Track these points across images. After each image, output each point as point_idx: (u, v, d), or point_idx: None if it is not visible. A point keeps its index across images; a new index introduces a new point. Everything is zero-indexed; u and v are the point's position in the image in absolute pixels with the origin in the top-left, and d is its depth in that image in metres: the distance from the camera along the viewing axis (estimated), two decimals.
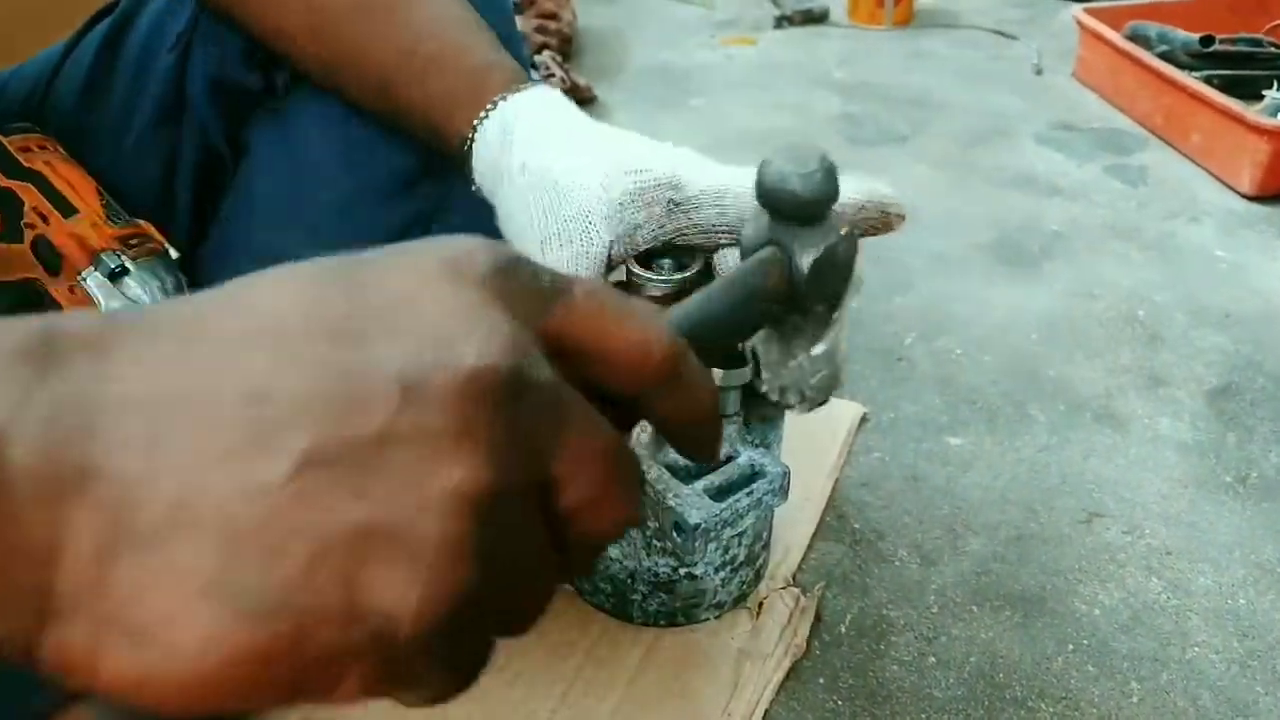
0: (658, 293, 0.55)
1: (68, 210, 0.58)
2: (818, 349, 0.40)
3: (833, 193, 0.36)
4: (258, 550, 0.19)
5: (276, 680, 0.19)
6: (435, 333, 0.21)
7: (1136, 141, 1.45)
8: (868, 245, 1.17)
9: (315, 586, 0.19)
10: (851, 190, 0.51)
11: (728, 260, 0.56)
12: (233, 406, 0.19)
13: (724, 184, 0.50)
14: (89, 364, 0.19)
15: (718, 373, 0.54)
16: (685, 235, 0.51)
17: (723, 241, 0.52)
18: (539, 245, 0.49)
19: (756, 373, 0.43)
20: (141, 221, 0.61)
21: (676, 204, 0.50)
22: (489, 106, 0.51)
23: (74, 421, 0.19)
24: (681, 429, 0.28)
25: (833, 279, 0.37)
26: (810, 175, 0.36)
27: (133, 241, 0.58)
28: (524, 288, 0.23)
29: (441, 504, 0.20)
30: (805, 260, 0.36)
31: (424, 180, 0.62)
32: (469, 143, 0.51)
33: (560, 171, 0.48)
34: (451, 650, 0.21)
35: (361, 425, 0.20)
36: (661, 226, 0.50)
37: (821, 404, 0.43)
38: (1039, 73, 1.74)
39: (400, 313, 0.21)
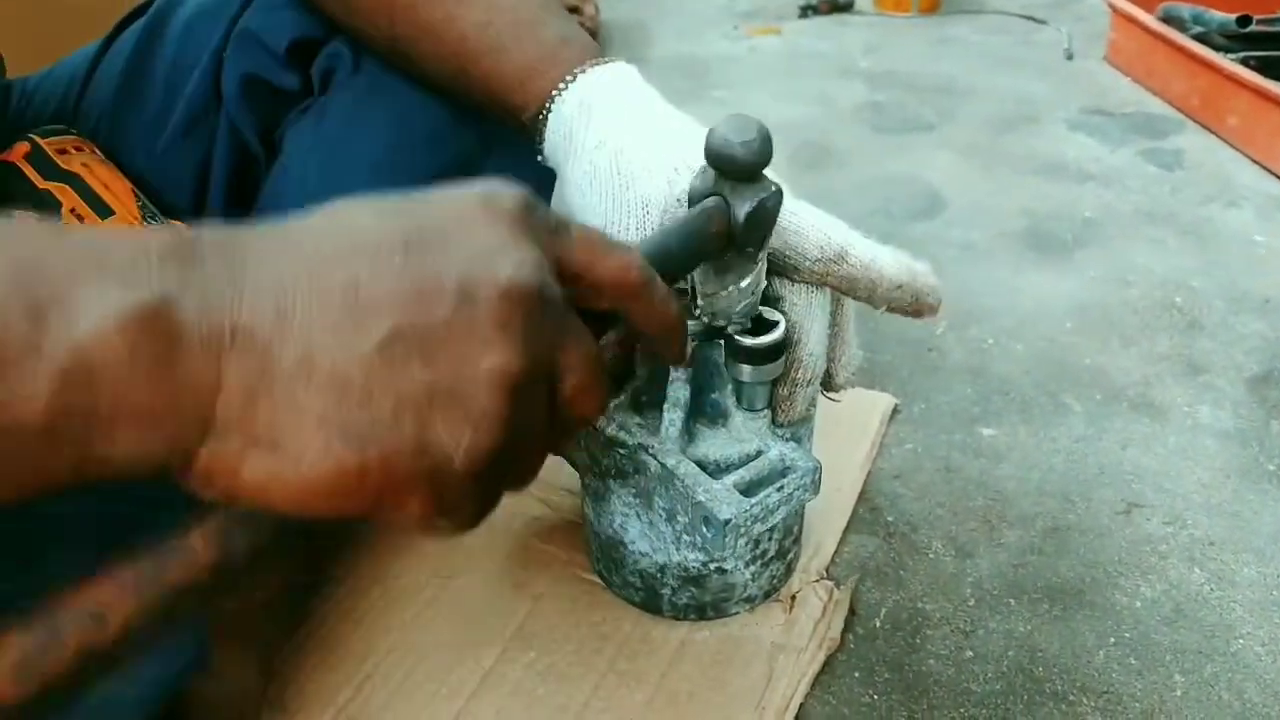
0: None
1: (104, 211, 0.58)
2: (744, 281, 0.49)
3: (767, 156, 0.44)
4: (357, 396, 0.25)
5: (364, 492, 0.26)
6: (479, 252, 0.28)
7: (1171, 125, 1.42)
8: (895, 234, 1.15)
9: (397, 425, 0.26)
10: (891, 267, 0.52)
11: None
12: (337, 294, 0.26)
13: (789, 205, 0.51)
14: (224, 260, 0.26)
15: (747, 369, 0.53)
16: None
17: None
18: (600, 223, 0.50)
19: (694, 299, 0.51)
20: (176, 222, 0.61)
21: None
22: (567, 79, 0.51)
23: (222, 297, 0.25)
24: (652, 335, 0.36)
25: (762, 226, 0.46)
26: (749, 143, 0.43)
27: None
28: (539, 223, 0.30)
29: (489, 378, 0.27)
30: (741, 210, 0.45)
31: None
32: (544, 113, 0.52)
33: (633, 156, 0.50)
34: (482, 489, 0.28)
35: (430, 314, 0.26)
36: None
37: (745, 330, 0.52)
38: (1069, 57, 1.71)
39: (451, 235, 0.28)
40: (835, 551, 0.70)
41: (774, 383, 0.55)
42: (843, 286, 0.52)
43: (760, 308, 0.53)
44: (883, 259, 0.52)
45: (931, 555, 0.70)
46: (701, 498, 0.51)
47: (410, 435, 0.26)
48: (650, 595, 0.63)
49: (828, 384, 0.58)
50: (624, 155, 0.49)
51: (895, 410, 0.84)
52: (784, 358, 0.53)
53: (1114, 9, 1.60)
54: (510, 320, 0.27)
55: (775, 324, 0.52)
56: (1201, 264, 1.07)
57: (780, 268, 0.52)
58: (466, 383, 0.26)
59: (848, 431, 0.79)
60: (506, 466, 0.29)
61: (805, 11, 2.04)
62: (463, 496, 0.27)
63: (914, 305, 0.54)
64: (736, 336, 0.52)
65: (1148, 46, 1.53)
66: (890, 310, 0.54)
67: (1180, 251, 1.09)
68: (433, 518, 0.27)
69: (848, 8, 2.07)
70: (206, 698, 0.49)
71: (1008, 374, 0.90)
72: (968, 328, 0.96)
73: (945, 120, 1.46)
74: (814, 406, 0.59)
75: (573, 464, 0.64)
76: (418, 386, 0.26)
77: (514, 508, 0.73)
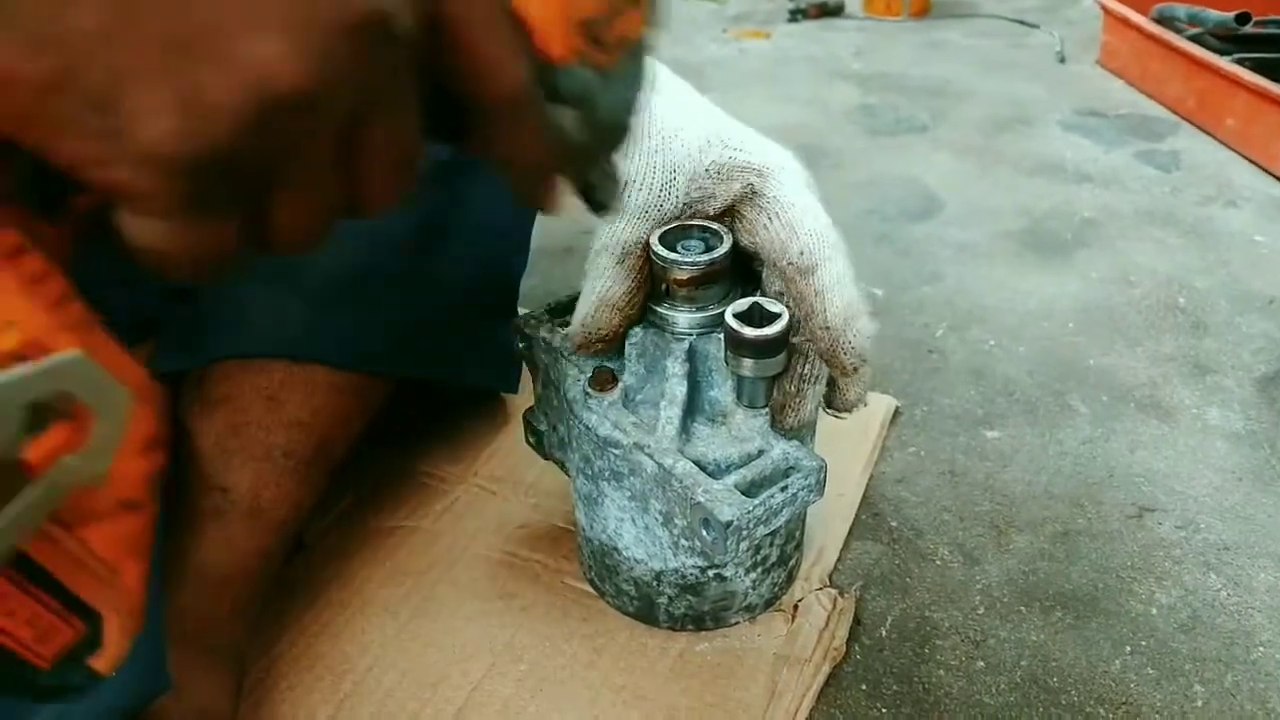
0: (684, 275, 0.51)
1: None
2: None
3: None
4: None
5: (19, 101, 0.21)
6: None
7: (1167, 127, 1.41)
8: (891, 235, 1.13)
9: (90, 54, 0.21)
10: (837, 305, 0.50)
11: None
12: None
13: (807, 203, 0.50)
14: None
15: (748, 363, 0.50)
16: (748, 225, 0.51)
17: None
18: (626, 178, 0.50)
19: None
20: None
21: (755, 193, 0.50)
22: None
23: None
24: (516, 168, 0.30)
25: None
26: None
27: None
28: None
29: (244, 72, 0.21)
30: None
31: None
32: None
33: (669, 121, 0.50)
34: (182, 200, 0.23)
35: None
36: (730, 205, 0.51)
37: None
38: (1062, 60, 1.70)
39: None
40: (838, 558, 0.67)
41: (776, 380, 0.52)
42: (790, 294, 0.51)
43: (761, 299, 0.50)
44: (837, 294, 0.49)
45: (938, 562, 0.68)
46: (701, 499, 0.48)
47: (99, 75, 0.21)
48: (645, 605, 0.60)
49: (832, 400, 0.55)
50: (659, 119, 0.50)
51: (896, 413, 0.82)
52: (786, 352, 0.50)
53: (1106, 11, 1.59)
54: (325, 28, 0.22)
55: (778, 315, 0.49)
56: (1204, 264, 1.05)
57: (756, 257, 0.51)
58: (209, 60, 0.21)
59: (848, 435, 0.76)
60: (251, 185, 0.24)
61: (794, 16, 2.03)
62: (148, 188, 0.22)
63: (829, 354, 0.51)
64: (738, 327, 0.49)
65: (1142, 49, 1.52)
66: (805, 349, 0.52)
67: (1182, 251, 1.07)
68: (108, 183, 0.22)
69: (837, 12, 2.06)
70: (170, 717, 0.46)
71: (1011, 375, 0.87)
72: (968, 329, 0.94)
73: (939, 122, 1.45)
74: (818, 407, 0.57)
75: (563, 467, 0.61)
76: (151, 30, 0.21)
77: (500, 515, 0.69)
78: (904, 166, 1.29)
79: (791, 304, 0.51)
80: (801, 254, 0.49)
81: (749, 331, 0.49)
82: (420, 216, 0.66)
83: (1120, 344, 0.91)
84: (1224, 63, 1.31)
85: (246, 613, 0.57)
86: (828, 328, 0.50)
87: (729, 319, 0.49)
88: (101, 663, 0.26)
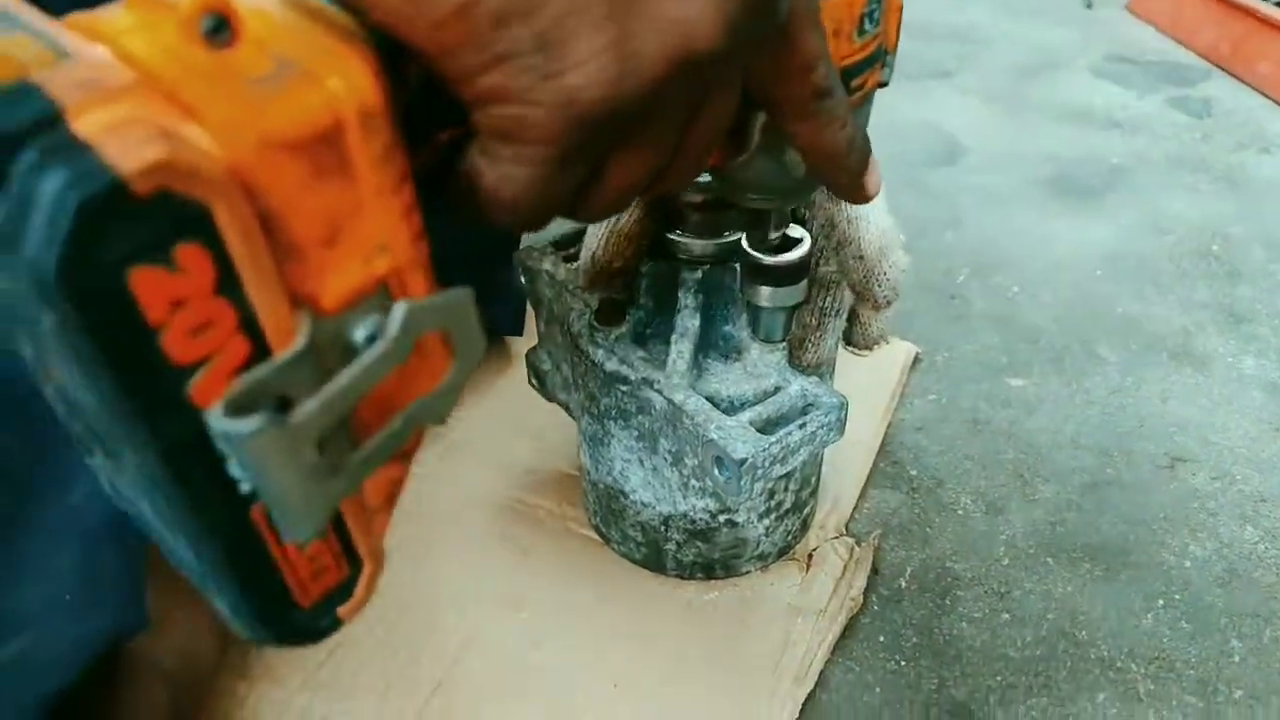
0: (698, 197, 0.48)
1: None
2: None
3: None
4: None
5: (471, 27, 0.22)
6: None
7: (1198, 73, 1.35)
8: (913, 181, 1.09)
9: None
10: (871, 232, 0.48)
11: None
12: None
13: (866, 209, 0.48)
14: None
15: (765, 291, 0.47)
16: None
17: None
18: None
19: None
20: None
21: None
22: None
23: None
24: (839, 155, 0.32)
25: None
26: None
27: None
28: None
29: (673, 29, 0.23)
30: None
31: None
32: None
33: None
34: (576, 148, 0.24)
35: None
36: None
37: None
38: (1089, 6, 1.64)
39: None
40: (855, 507, 0.64)
41: (795, 311, 0.49)
42: (819, 220, 0.48)
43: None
44: (872, 221, 0.47)
45: (960, 512, 0.64)
46: (714, 435, 0.45)
47: (551, 14, 0.22)
48: (653, 551, 0.57)
49: (853, 336, 0.52)
50: None
51: (916, 359, 0.78)
52: (806, 280, 0.47)
53: None
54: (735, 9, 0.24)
55: (799, 240, 0.46)
56: (1238, 211, 1.00)
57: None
58: (643, 16, 0.23)
59: (865, 380, 0.73)
60: (604, 143, 0.25)
61: None
62: (548, 132, 0.23)
63: (861, 285, 0.48)
64: (755, 254, 0.45)
65: None
66: (829, 280, 0.49)
67: (1215, 198, 1.03)
68: (508, 121, 0.23)
69: None
70: (150, 658, 0.43)
71: (1036, 323, 0.83)
72: (991, 275, 0.90)
73: (964, 67, 1.39)
74: (837, 344, 0.53)
75: (567, 409, 0.58)
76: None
77: (502, 459, 0.67)
78: (927, 112, 1.24)
79: (820, 231, 0.48)
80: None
81: (768, 258, 0.45)
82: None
83: (1151, 292, 0.87)
84: (1260, 5, 1.25)
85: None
86: (861, 257, 0.47)
87: (746, 244, 0.46)
88: (346, 610, 0.25)
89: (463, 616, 0.56)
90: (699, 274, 0.50)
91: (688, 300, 0.50)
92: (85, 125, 0.17)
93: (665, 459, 0.52)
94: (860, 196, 0.35)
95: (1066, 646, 0.55)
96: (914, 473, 0.67)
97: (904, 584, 0.59)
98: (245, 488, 0.21)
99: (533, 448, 0.67)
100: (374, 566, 0.25)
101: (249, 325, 0.19)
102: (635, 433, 0.52)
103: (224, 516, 0.21)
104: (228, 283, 0.19)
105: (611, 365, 0.50)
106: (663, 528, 0.55)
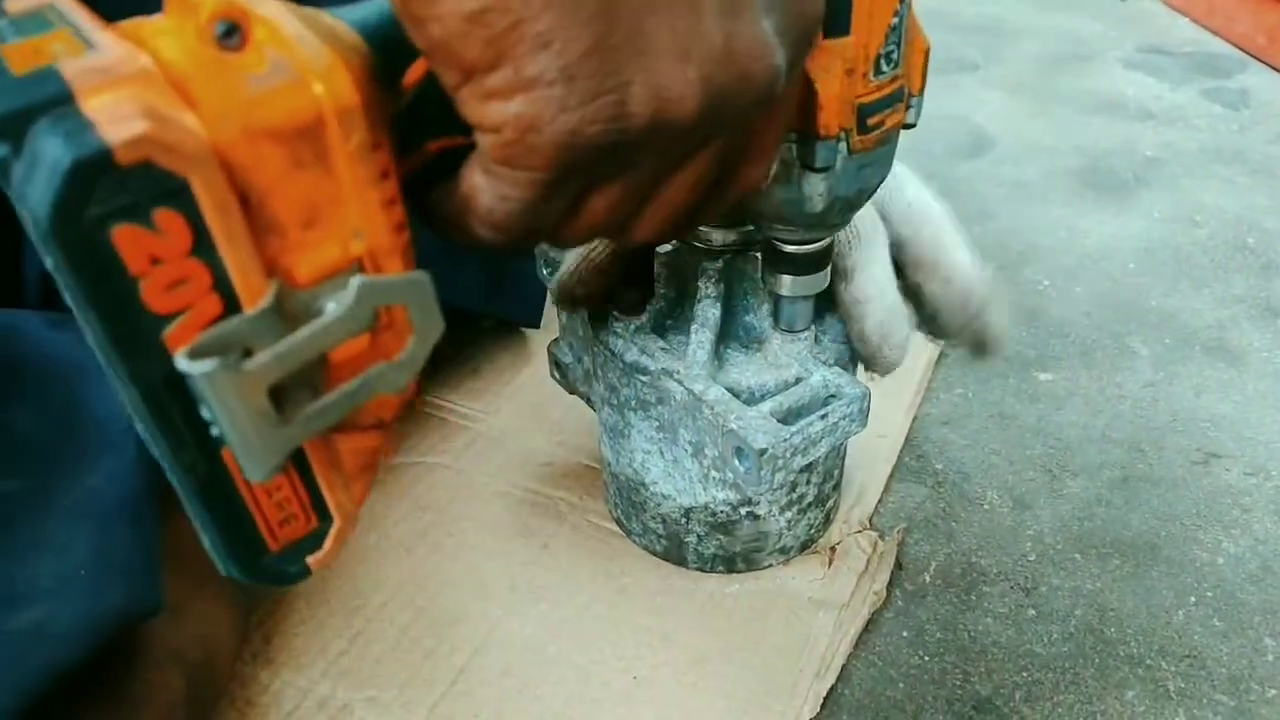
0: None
1: None
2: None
3: None
4: None
5: (483, 39, 0.23)
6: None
7: (1235, 64, 1.33)
8: (940, 175, 1.07)
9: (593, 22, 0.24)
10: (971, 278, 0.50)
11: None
12: None
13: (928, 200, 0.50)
14: None
15: (787, 280, 0.46)
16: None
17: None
18: None
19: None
20: None
21: None
22: None
23: None
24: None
25: None
26: None
27: None
28: None
29: (665, 92, 0.26)
30: None
31: None
32: None
33: None
34: (602, 174, 0.28)
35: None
36: None
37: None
38: None
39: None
40: (879, 501, 0.63)
41: (816, 300, 0.48)
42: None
43: None
44: (874, 307, 0.49)
45: (986, 506, 0.63)
46: (734, 425, 0.44)
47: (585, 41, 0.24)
48: (674, 544, 0.57)
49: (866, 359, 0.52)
50: None
51: (942, 353, 0.77)
52: (829, 269, 0.46)
53: None
54: (732, 71, 0.27)
55: None
56: (1274, 204, 0.98)
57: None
58: (637, 67, 0.25)
59: (891, 374, 0.72)
60: (591, 178, 0.28)
61: None
62: (551, 157, 0.25)
63: (864, 360, 0.51)
64: (778, 241, 0.45)
65: None
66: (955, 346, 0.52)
67: (1251, 190, 1.01)
68: (511, 144, 0.25)
69: None
70: (168, 647, 0.43)
71: (1066, 317, 0.82)
72: (1020, 269, 0.89)
73: (991, 60, 1.38)
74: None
75: (588, 401, 0.58)
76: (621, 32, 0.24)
77: (524, 452, 0.66)
78: (953, 105, 1.23)
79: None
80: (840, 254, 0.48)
81: (790, 246, 0.45)
82: None
83: (1185, 285, 0.86)
84: None
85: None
86: (863, 340, 0.49)
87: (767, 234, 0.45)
88: (315, 560, 0.28)
89: (484, 608, 0.56)
90: (719, 263, 0.49)
91: (708, 290, 0.49)
92: (90, 104, 0.20)
93: (686, 450, 0.51)
94: None
95: (1094, 643, 0.54)
96: (939, 467, 0.67)
97: (928, 579, 0.58)
98: (215, 430, 0.24)
99: (554, 440, 0.67)
100: (344, 523, 0.28)
101: (222, 286, 0.22)
102: (656, 424, 0.51)
103: (198, 455, 0.24)
104: (203, 246, 0.22)
105: (631, 356, 0.50)
106: (684, 520, 0.55)
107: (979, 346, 0.53)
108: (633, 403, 0.52)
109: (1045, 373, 0.76)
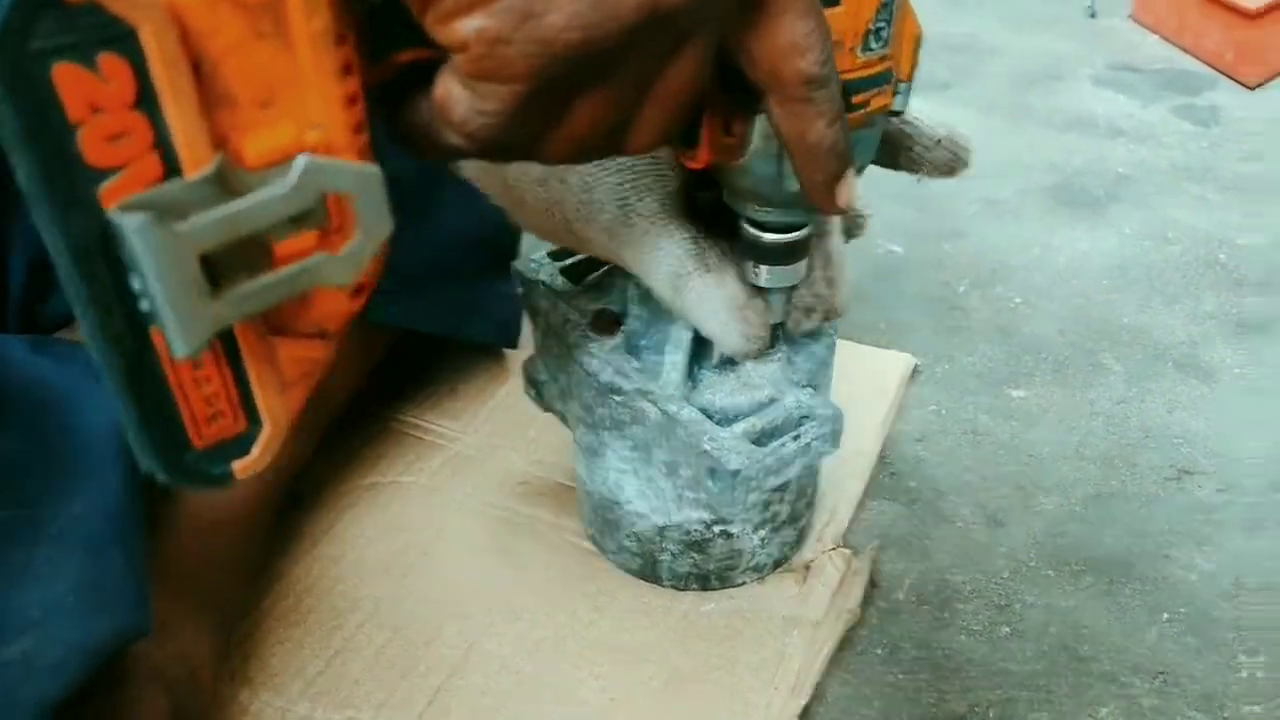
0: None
1: None
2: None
3: None
4: None
5: None
6: None
7: (1204, 81, 1.35)
8: (911, 192, 1.08)
9: None
10: (929, 121, 0.51)
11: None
12: None
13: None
14: None
15: (762, 269, 0.45)
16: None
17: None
18: None
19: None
20: None
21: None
22: None
23: None
24: (808, 151, 0.32)
25: None
26: None
27: None
28: None
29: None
30: None
31: None
32: None
33: None
34: (536, 87, 0.26)
35: None
36: None
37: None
38: (1093, 15, 1.63)
39: None
40: (852, 518, 0.63)
41: (791, 293, 0.47)
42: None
43: None
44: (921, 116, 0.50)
45: (959, 524, 0.64)
46: (707, 447, 0.45)
47: None
48: (648, 562, 0.57)
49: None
50: None
51: (915, 370, 0.78)
52: (805, 261, 0.46)
53: None
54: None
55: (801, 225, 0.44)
56: (1245, 221, 0.99)
57: None
58: None
59: (864, 391, 0.72)
60: (574, 84, 0.27)
61: None
62: (524, 67, 0.25)
63: (947, 163, 0.53)
64: (753, 231, 0.44)
65: (1178, 0, 1.45)
66: (929, 174, 0.55)
67: (1222, 208, 1.02)
68: (483, 57, 0.25)
69: None
70: (152, 665, 0.43)
71: (1039, 334, 0.83)
72: (993, 286, 0.90)
73: (963, 78, 1.39)
74: (833, 349, 0.53)
75: (563, 420, 0.58)
76: None
77: (500, 471, 0.66)
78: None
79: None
80: None
81: (767, 235, 0.44)
82: (421, 164, 0.62)
83: (1157, 301, 0.87)
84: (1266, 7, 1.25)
85: (239, 562, 0.55)
86: (939, 140, 0.53)
87: (744, 225, 0.44)
88: (241, 466, 0.27)
89: (460, 627, 0.55)
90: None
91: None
92: None
93: (660, 470, 0.51)
94: (829, 203, 0.35)
95: (1068, 661, 0.54)
96: (913, 484, 0.67)
97: (902, 596, 0.58)
98: (145, 305, 0.23)
99: (530, 459, 0.67)
100: (274, 430, 0.27)
101: (163, 146, 0.22)
102: (630, 443, 0.51)
103: (125, 330, 0.23)
104: (146, 100, 0.21)
105: (606, 376, 0.50)
106: (658, 539, 0.55)
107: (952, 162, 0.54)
108: (607, 422, 0.52)
109: (1018, 389, 0.76)
